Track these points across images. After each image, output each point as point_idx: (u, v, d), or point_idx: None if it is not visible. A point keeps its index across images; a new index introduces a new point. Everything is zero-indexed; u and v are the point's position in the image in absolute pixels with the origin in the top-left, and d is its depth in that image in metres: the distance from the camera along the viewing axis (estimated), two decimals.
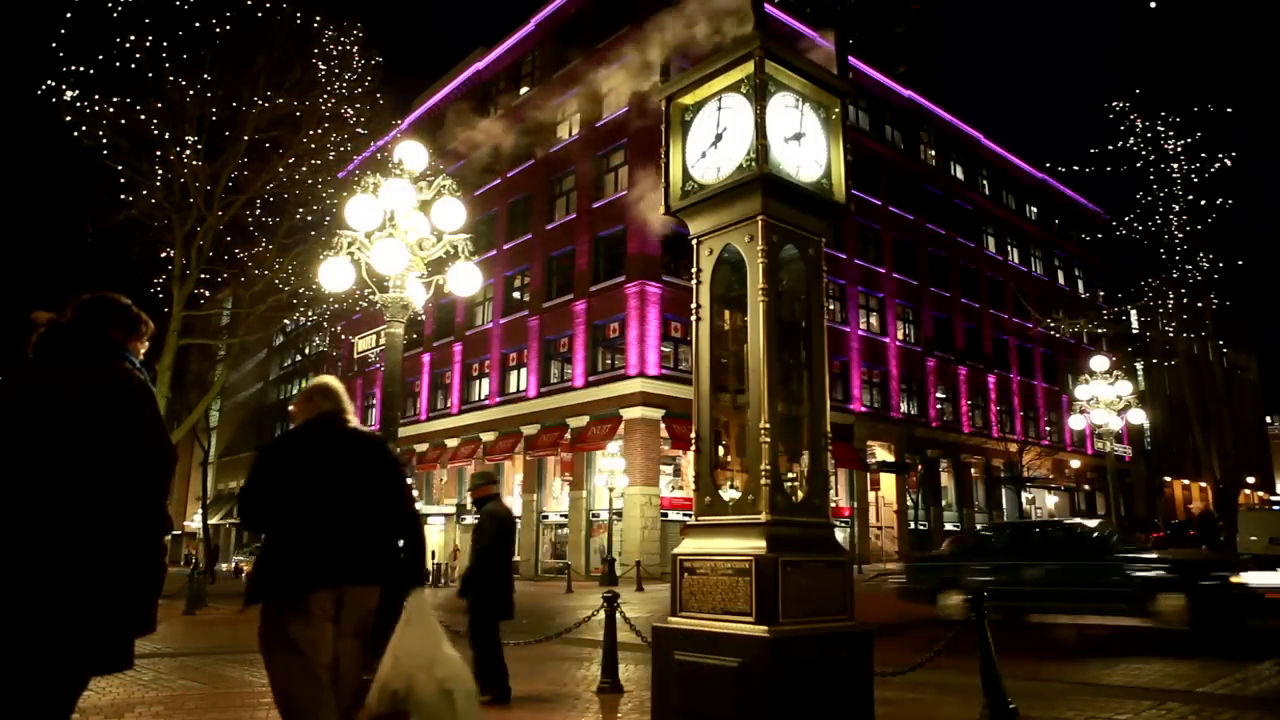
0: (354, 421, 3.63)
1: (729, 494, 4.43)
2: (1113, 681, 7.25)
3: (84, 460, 2.44)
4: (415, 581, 3.56)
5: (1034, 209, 50.10)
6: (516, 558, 31.95)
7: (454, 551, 34.34)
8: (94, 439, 2.47)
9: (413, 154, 6.98)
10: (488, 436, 34.80)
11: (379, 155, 20.92)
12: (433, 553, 35.66)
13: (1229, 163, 20.77)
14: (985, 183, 46.75)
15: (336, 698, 3.21)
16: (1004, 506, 43.21)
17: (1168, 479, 57.65)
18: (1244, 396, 68.77)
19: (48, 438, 2.44)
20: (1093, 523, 13.59)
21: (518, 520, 33.88)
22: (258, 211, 20.06)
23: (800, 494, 4.39)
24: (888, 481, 36.15)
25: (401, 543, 3.55)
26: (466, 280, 7.12)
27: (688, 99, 4.89)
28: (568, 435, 30.70)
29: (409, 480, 3.63)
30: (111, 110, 16.90)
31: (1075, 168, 24.12)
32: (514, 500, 34.39)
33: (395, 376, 7.11)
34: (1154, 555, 11.54)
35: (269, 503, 3.31)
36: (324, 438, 3.50)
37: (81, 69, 16.57)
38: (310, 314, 25.36)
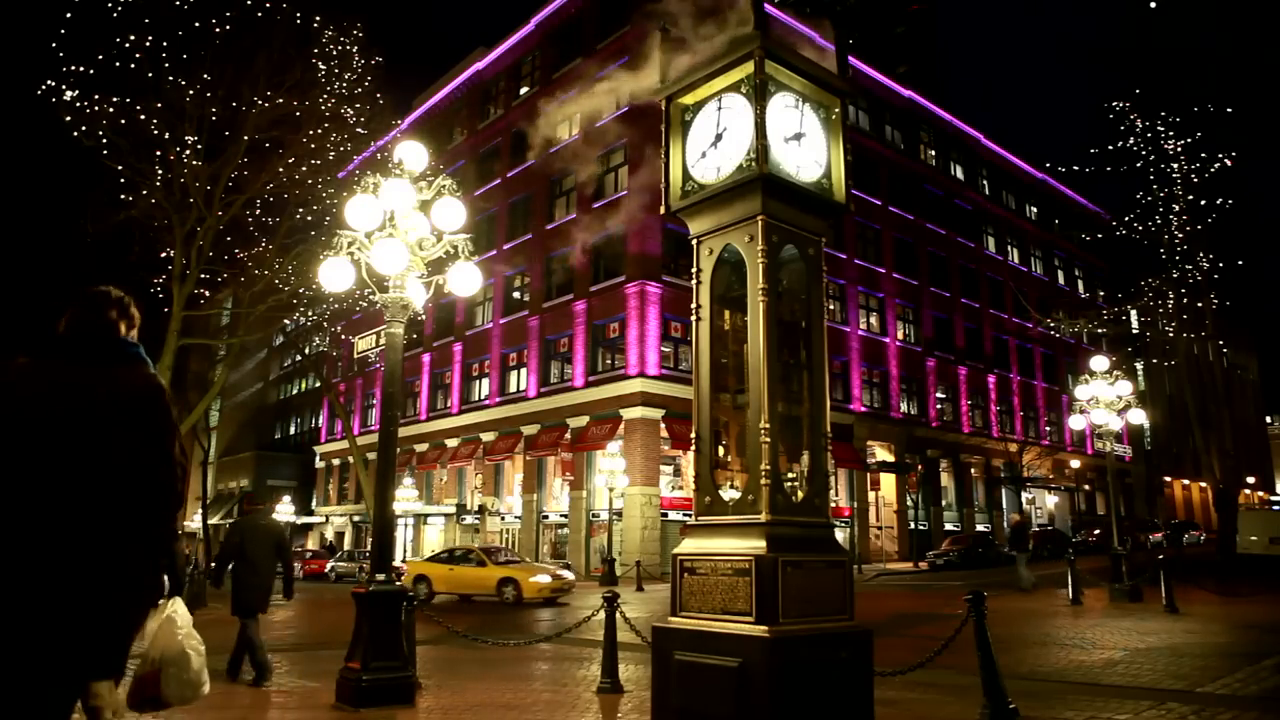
0: None
1: (729, 494, 4.43)
2: (1113, 681, 7.25)
3: (111, 465, 2.42)
4: (175, 591, 4.77)
5: (1034, 209, 50.10)
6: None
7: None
8: (122, 444, 2.45)
9: (413, 154, 6.97)
10: (488, 436, 34.81)
11: (379, 155, 20.91)
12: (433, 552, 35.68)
13: (1229, 163, 20.75)
14: (985, 183, 46.75)
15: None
16: (1004, 506, 43.23)
17: (1168, 479, 57.67)
18: (1244, 396, 68.80)
19: (76, 439, 2.42)
20: None
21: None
22: (258, 211, 20.04)
23: (800, 494, 4.39)
24: (888, 481, 36.14)
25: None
26: (466, 280, 7.12)
27: (688, 99, 4.89)
28: (568, 435, 30.70)
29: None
30: (111, 110, 16.87)
31: (1075, 168, 24.11)
32: (514, 500, 34.44)
33: (395, 376, 7.11)
34: None
35: None
36: None
37: (81, 69, 16.56)
38: (310, 314, 25.36)
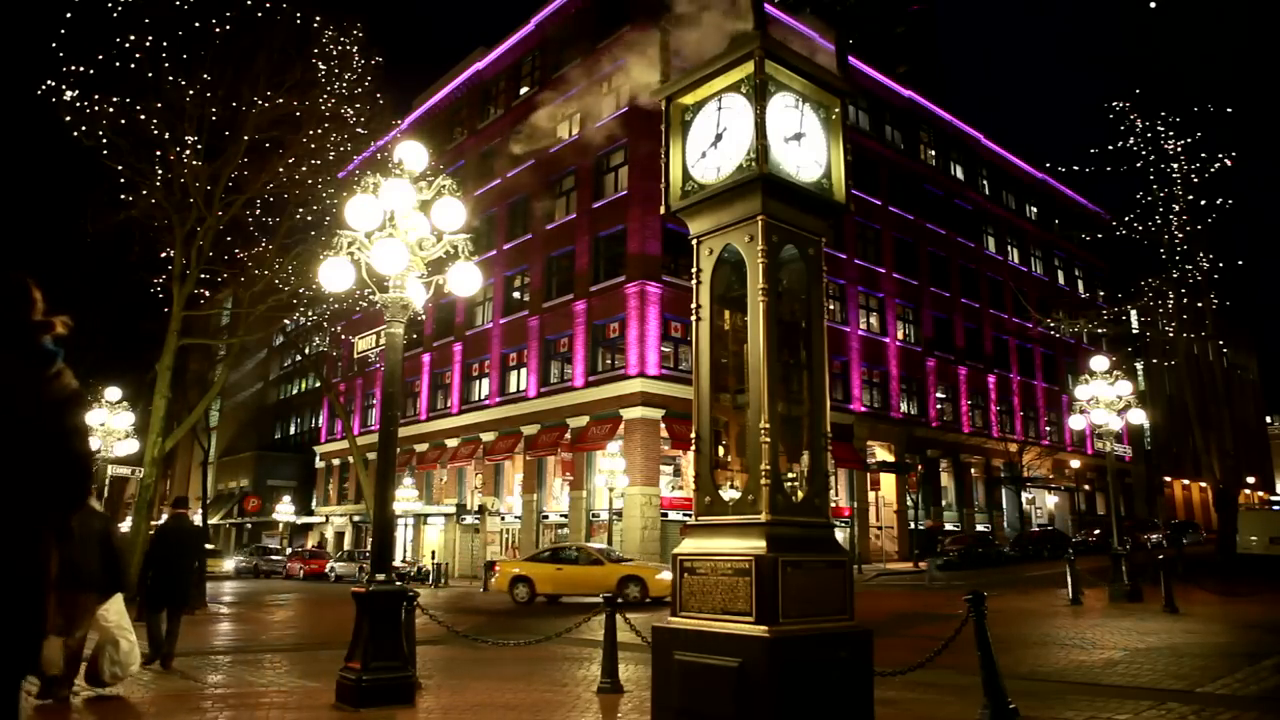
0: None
1: (729, 494, 4.43)
2: (1113, 681, 7.25)
3: (31, 465, 2.33)
4: (115, 589, 6.38)
5: (1034, 209, 50.11)
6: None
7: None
8: (41, 444, 2.35)
9: (413, 154, 6.97)
10: (488, 436, 34.81)
11: (379, 155, 20.90)
12: (433, 552, 35.70)
13: (1229, 163, 20.75)
14: (985, 183, 46.75)
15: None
16: (1004, 506, 43.23)
17: (1168, 479, 57.66)
18: (1244, 396, 68.79)
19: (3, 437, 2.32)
20: None
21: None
22: (258, 211, 20.02)
23: (800, 494, 4.39)
24: (888, 481, 36.14)
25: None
26: (466, 280, 7.12)
27: (688, 99, 4.89)
28: (568, 435, 30.69)
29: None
30: (111, 110, 16.86)
31: (1075, 168, 24.12)
32: (514, 500, 34.44)
33: (395, 376, 7.11)
34: None
35: None
36: None
37: (81, 69, 16.55)
38: (310, 314, 25.33)
